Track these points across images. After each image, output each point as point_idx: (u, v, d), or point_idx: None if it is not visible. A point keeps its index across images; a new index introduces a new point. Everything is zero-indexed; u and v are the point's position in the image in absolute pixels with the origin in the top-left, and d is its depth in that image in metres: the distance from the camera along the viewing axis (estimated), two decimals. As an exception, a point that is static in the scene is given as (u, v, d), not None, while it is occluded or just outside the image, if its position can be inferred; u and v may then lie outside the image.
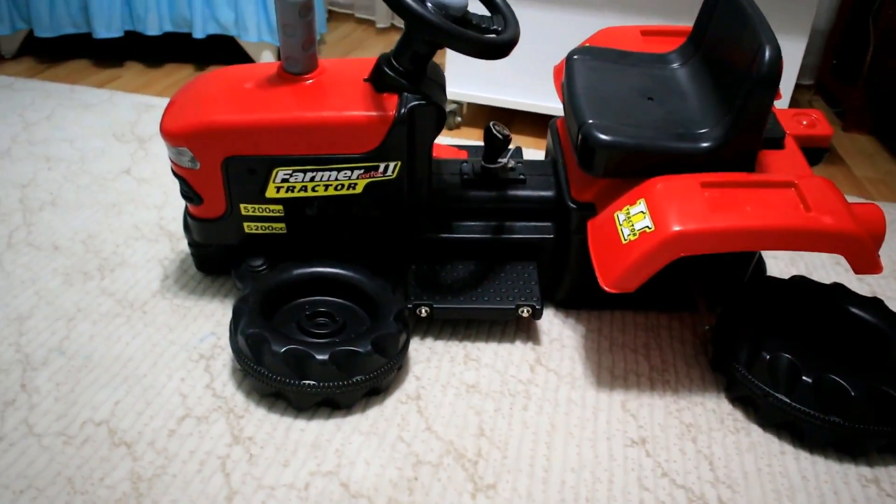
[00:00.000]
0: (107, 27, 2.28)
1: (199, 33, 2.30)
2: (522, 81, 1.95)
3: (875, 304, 1.22)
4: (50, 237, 1.46)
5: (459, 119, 2.12)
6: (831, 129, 1.28)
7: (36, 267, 1.38)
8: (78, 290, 1.32)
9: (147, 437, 1.04)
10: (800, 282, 1.26)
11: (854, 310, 1.21)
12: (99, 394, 1.11)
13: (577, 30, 1.84)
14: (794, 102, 2.50)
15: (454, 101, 2.09)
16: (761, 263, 1.38)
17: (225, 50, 2.48)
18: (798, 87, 2.65)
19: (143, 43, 2.44)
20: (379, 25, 2.95)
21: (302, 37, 1.13)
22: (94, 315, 1.26)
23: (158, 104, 2.08)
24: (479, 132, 2.08)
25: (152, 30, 2.30)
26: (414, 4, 1.00)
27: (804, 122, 1.27)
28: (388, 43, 2.64)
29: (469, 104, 2.14)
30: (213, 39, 2.41)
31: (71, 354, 1.18)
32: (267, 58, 2.38)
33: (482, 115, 2.16)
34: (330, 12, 3.01)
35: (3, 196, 1.59)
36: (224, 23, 2.31)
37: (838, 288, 1.25)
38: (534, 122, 2.11)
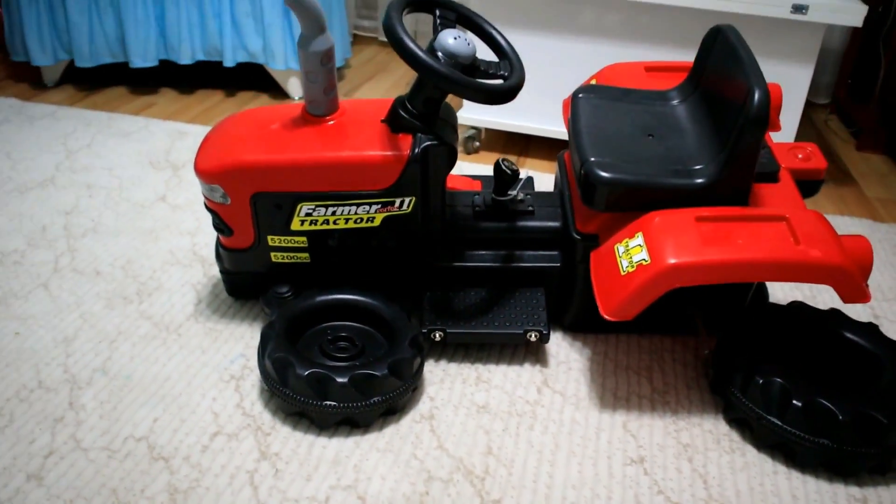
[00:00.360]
0: (143, 57, 2.40)
1: (229, 61, 2.42)
2: (538, 108, 2.02)
3: (870, 329, 1.28)
4: (92, 263, 1.57)
5: (478, 144, 2.20)
6: (825, 163, 1.34)
7: (80, 291, 1.48)
8: (118, 313, 1.43)
9: (183, 452, 1.14)
10: (797, 307, 1.33)
11: (849, 335, 1.27)
12: (139, 411, 1.21)
13: (591, 59, 1.92)
14: (809, 122, 2.55)
15: (473, 127, 2.18)
16: (763, 289, 1.44)
17: (254, 77, 2.60)
18: (814, 107, 2.70)
19: (177, 70, 2.57)
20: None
21: (323, 82, 1.22)
22: (133, 337, 1.37)
23: (191, 131, 2.20)
24: (498, 156, 2.16)
25: (185, 59, 2.42)
26: (424, 56, 1.09)
27: (799, 156, 1.34)
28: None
29: (487, 130, 2.22)
30: (242, 67, 2.53)
31: (113, 374, 1.28)
32: (293, 84, 2.49)
33: (500, 140, 2.24)
34: (354, 36, 3.12)
35: (49, 223, 1.70)
36: (253, 51, 2.42)
37: (834, 314, 1.31)
38: (551, 147, 2.19)
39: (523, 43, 1.96)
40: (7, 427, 1.17)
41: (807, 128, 2.51)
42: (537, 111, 2.03)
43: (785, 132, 1.90)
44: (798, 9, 1.75)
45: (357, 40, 3.09)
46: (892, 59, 2.26)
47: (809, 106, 2.71)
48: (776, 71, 1.85)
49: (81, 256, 1.59)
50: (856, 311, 1.51)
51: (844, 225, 1.87)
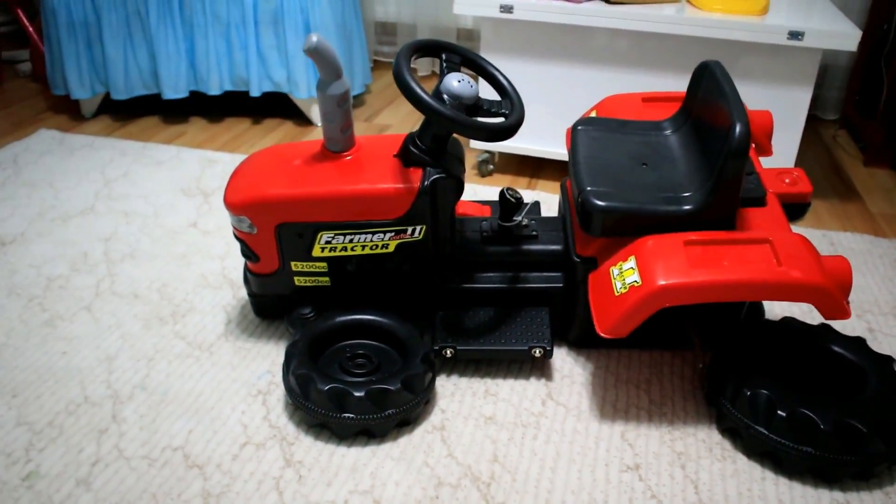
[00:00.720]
0: (174, 89, 2.55)
1: (255, 91, 2.55)
2: (549, 132, 2.12)
3: (857, 343, 1.35)
4: (130, 286, 1.70)
5: (492, 167, 2.30)
6: (811, 187, 1.42)
7: (120, 313, 1.61)
8: (155, 333, 1.55)
9: (215, 461, 1.25)
10: (788, 323, 1.41)
11: (837, 349, 1.35)
12: (175, 424, 1.32)
13: (600, 85, 2.03)
14: (818, 137, 2.61)
15: (487, 151, 2.28)
16: (759, 307, 1.52)
17: (278, 105, 2.73)
18: (823, 122, 2.77)
19: (206, 100, 2.71)
20: (420, 74, 3.17)
21: (340, 122, 1.33)
22: (169, 356, 1.48)
23: (220, 158, 2.33)
24: (510, 179, 2.26)
25: (214, 89, 2.56)
26: (429, 100, 1.20)
27: (786, 181, 1.42)
28: (429, 89, 2.84)
29: (500, 154, 2.33)
30: (267, 96, 2.66)
31: (151, 390, 1.40)
32: (316, 111, 2.61)
33: (513, 163, 2.35)
34: (375, 62, 3.24)
35: (90, 249, 1.83)
36: (277, 81, 2.55)
37: (825, 328, 1.39)
38: (562, 170, 2.29)
39: (534, 70, 2.07)
40: (58, 438, 1.29)
41: (815, 144, 2.58)
42: (548, 135, 2.13)
43: (786, 153, 1.98)
44: (794, 35, 1.83)
45: (377, 66, 3.21)
46: (895, 78, 2.32)
47: (818, 121, 2.78)
48: (776, 94, 1.94)
49: (120, 280, 1.72)
50: (851, 325, 1.58)
51: (846, 241, 1.94)
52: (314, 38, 1.25)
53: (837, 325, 1.55)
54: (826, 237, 1.95)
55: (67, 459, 1.25)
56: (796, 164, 2.03)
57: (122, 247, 1.85)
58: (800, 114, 1.96)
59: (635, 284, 1.21)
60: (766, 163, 1.58)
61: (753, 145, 1.50)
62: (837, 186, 2.28)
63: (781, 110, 1.92)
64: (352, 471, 1.23)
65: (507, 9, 1.98)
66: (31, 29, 2.96)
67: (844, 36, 1.81)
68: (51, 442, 1.28)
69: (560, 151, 2.15)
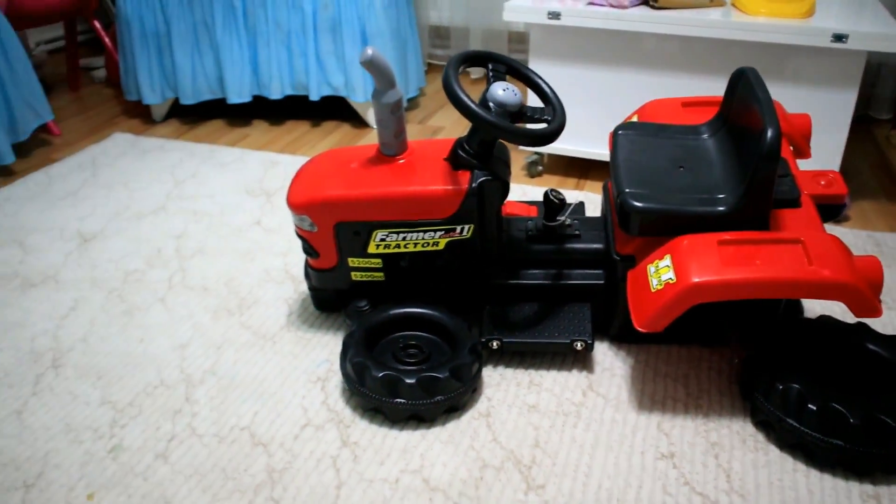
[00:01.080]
0: (238, 94, 2.69)
1: (314, 95, 2.68)
2: (596, 134, 2.19)
3: (891, 341, 1.39)
4: (200, 280, 1.83)
5: (541, 168, 2.38)
6: (846, 189, 1.46)
7: (191, 305, 1.74)
8: (223, 324, 1.68)
9: (278, 440, 1.36)
10: (825, 321, 1.45)
11: (872, 346, 1.39)
12: (242, 406, 1.44)
13: (646, 88, 2.08)
14: (869, 136, 2.61)
15: (535, 153, 2.36)
16: (798, 304, 1.57)
17: (336, 108, 2.85)
18: (876, 122, 2.76)
19: (268, 104, 2.85)
20: (473, 77, 3.26)
21: (394, 128, 1.43)
22: (236, 344, 1.61)
23: (281, 160, 2.46)
24: (559, 180, 2.33)
25: (275, 94, 2.70)
26: (475, 108, 1.29)
27: (822, 182, 1.46)
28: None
29: (549, 155, 2.40)
30: (326, 100, 2.79)
31: (221, 375, 1.52)
32: (372, 115, 2.73)
33: (561, 164, 2.42)
34: (429, 65, 3.34)
35: (163, 246, 1.98)
36: (336, 86, 2.67)
37: (860, 327, 1.43)
38: (608, 170, 2.34)
39: (581, 74, 2.14)
40: (138, 416, 1.42)
41: (866, 143, 2.57)
42: (594, 137, 2.19)
43: (831, 154, 2.00)
44: (838, 38, 1.86)
45: (431, 69, 3.31)
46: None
47: (871, 121, 2.77)
48: (821, 97, 1.97)
49: (191, 275, 1.85)
50: (894, 324, 1.61)
51: (892, 241, 1.95)
52: (369, 52, 1.35)
53: (878, 324, 1.58)
54: (871, 238, 1.97)
55: (147, 435, 1.38)
56: (844, 164, 2.05)
57: (191, 243, 1.99)
58: (845, 116, 1.98)
59: (670, 281, 1.27)
60: (807, 164, 1.62)
61: (791, 148, 1.55)
62: (887, 187, 2.29)
63: (826, 113, 1.95)
64: (403, 452, 1.33)
65: (555, 15, 2.05)
66: (106, 38, 3.15)
67: (890, 38, 1.83)
68: (132, 419, 1.42)
69: (606, 153, 2.21)
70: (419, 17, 3.22)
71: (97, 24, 3.14)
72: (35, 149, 2.67)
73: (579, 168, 2.40)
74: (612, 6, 2.03)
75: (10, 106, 2.44)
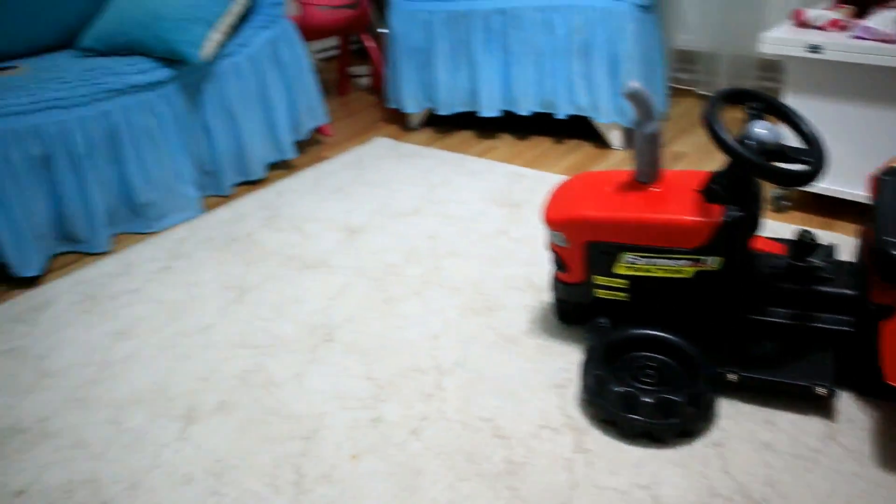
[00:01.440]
0: (489, 108, 2.88)
1: (560, 114, 2.80)
2: (850, 173, 2.10)
3: None
4: (451, 280, 2.02)
5: (788, 204, 2.32)
6: None
7: (442, 300, 1.93)
8: (470, 322, 1.84)
9: (518, 436, 1.49)
10: None
11: None
12: (486, 399, 1.59)
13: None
14: None
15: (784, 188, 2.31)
16: None
17: (579, 127, 2.96)
18: None
19: (514, 119, 3.02)
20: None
21: (650, 157, 1.51)
22: (482, 342, 1.76)
23: (527, 174, 2.61)
24: (804, 217, 2.26)
25: (523, 110, 2.86)
26: (733, 145, 1.32)
27: None
28: (729, 118, 2.88)
29: (797, 190, 2.33)
30: (570, 119, 2.90)
31: (468, 368, 1.68)
32: (615, 136, 2.80)
33: (808, 200, 2.34)
34: (673, 89, 3.34)
35: (419, 245, 2.20)
36: (581, 106, 2.77)
37: None
38: (859, 212, 2.24)
39: (839, 110, 2.07)
40: (395, 394, 1.62)
41: None
42: (848, 177, 2.11)
43: None
44: None
45: (675, 93, 3.31)
46: None
47: None
48: None
49: (443, 274, 2.05)
50: None
51: None
52: (635, 85, 1.44)
53: None
54: None
55: (402, 412, 1.57)
56: None
57: (444, 245, 2.19)
58: None
59: (937, 340, 1.23)
60: None
61: None
62: None
63: None
64: (635, 466, 1.40)
65: (816, 48, 2.00)
66: (374, 50, 3.50)
67: None
68: (390, 396, 1.62)
69: (858, 193, 2.12)
70: (666, 39, 3.23)
71: (368, 38, 3.49)
72: (309, 147, 3.04)
73: (827, 206, 2.31)
74: (880, 41, 1.94)
75: (296, 108, 2.81)
